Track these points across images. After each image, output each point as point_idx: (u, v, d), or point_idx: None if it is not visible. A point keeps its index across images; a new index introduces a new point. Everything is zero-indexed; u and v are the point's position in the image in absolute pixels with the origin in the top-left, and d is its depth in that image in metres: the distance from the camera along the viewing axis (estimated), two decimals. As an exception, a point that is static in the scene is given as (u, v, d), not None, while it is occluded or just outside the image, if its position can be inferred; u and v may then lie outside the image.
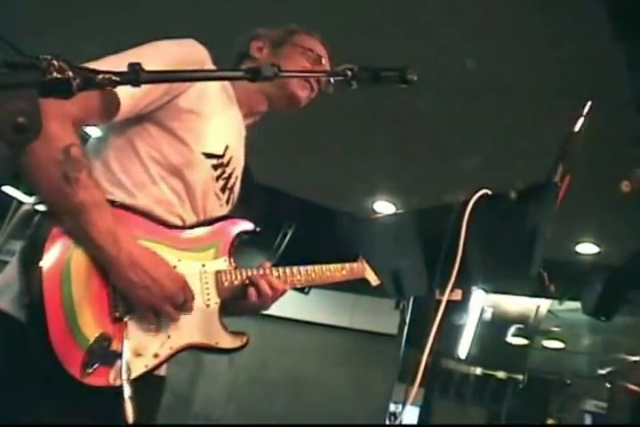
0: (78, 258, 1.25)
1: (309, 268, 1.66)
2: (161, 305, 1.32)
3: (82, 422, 1.25)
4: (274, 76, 1.08)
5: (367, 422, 6.56)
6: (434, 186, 4.54)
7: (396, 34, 3.42)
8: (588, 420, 7.88)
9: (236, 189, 1.64)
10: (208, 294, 1.47)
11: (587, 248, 5.61)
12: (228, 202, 1.61)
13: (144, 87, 1.28)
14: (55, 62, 0.83)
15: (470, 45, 3.38)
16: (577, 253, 5.64)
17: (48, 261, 1.22)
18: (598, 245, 5.55)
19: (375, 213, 5.67)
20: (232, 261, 1.53)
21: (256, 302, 1.52)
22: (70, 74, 0.84)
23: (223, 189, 1.56)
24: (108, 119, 1.33)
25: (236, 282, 1.50)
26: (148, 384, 1.34)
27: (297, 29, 1.74)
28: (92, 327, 1.24)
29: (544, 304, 7.88)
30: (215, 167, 1.49)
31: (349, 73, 1.22)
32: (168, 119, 1.42)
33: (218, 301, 1.48)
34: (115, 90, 1.25)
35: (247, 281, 1.51)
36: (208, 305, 1.46)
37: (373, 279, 1.84)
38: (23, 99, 0.81)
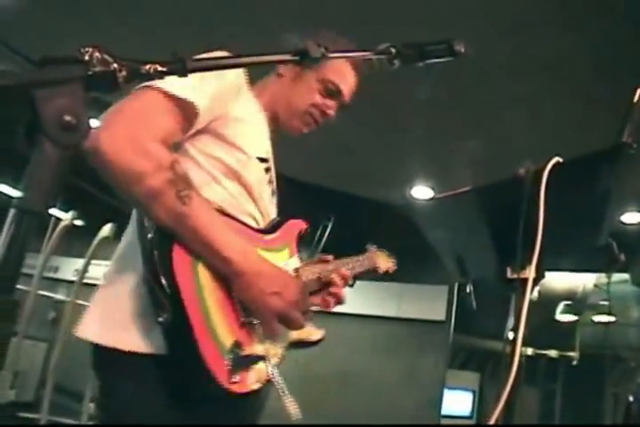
0: (203, 270, 1.24)
1: (345, 260, 1.73)
2: (289, 311, 1.31)
3: None
4: (322, 57, 1.01)
5: (421, 412, 6.51)
6: (471, 168, 4.46)
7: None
8: (645, 393, 7.73)
9: (276, 192, 1.64)
10: None
11: (632, 217, 5.46)
12: (277, 205, 1.61)
13: (207, 101, 1.29)
14: (98, 54, 0.77)
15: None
16: (622, 222, 5.49)
17: (183, 277, 1.20)
18: (643, 214, 5.40)
19: (413, 199, 5.59)
20: (300, 259, 1.58)
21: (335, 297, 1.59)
22: (115, 66, 0.78)
23: (273, 193, 1.57)
24: (187, 132, 1.33)
25: (310, 277, 1.55)
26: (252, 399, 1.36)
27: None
28: (227, 336, 1.24)
29: (590, 278, 7.71)
30: (266, 171, 1.49)
31: (393, 51, 1.14)
32: (220, 128, 1.39)
33: None
34: (192, 102, 1.26)
35: (318, 275, 1.58)
36: None
37: (382, 267, 1.95)
38: (68, 95, 0.75)
